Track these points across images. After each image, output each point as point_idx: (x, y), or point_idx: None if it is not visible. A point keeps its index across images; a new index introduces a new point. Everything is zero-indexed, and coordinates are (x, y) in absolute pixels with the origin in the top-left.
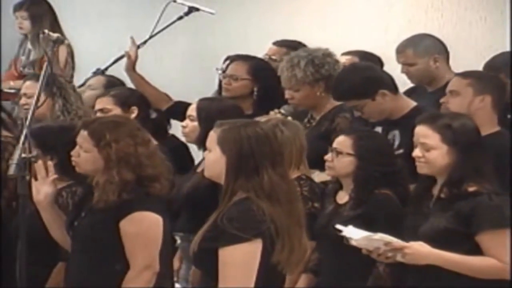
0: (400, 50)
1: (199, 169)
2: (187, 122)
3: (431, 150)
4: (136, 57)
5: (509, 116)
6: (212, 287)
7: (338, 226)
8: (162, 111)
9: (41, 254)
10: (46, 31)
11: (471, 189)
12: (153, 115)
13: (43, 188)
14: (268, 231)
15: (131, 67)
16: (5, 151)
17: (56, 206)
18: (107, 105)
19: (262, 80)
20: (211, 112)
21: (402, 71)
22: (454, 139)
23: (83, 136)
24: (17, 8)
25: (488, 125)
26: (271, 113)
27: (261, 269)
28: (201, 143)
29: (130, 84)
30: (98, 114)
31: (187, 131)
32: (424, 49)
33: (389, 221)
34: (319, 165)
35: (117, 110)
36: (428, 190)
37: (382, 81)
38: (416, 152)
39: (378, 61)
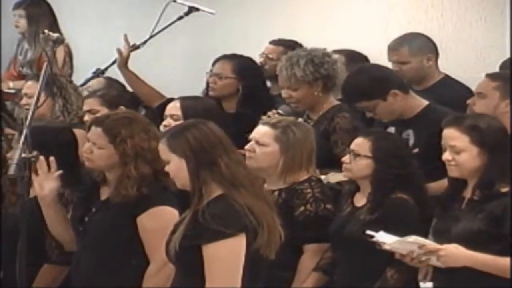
0: (393, 48)
1: None
2: (169, 121)
3: (461, 152)
4: (128, 54)
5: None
6: (192, 286)
7: (369, 232)
8: (152, 109)
9: (28, 254)
10: (46, 31)
11: (503, 189)
12: (142, 112)
13: (47, 184)
14: (251, 225)
15: (123, 64)
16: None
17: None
18: (94, 106)
19: (247, 79)
20: (198, 110)
21: (394, 69)
22: (483, 140)
23: (97, 133)
24: (16, 6)
25: None
26: (269, 113)
27: (245, 260)
28: None
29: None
30: (87, 115)
31: None
32: (418, 48)
33: (406, 225)
34: (319, 164)
35: (104, 111)
36: (458, 193)
37: (393, 81)
38: (446, 156)
39: (365, 60)
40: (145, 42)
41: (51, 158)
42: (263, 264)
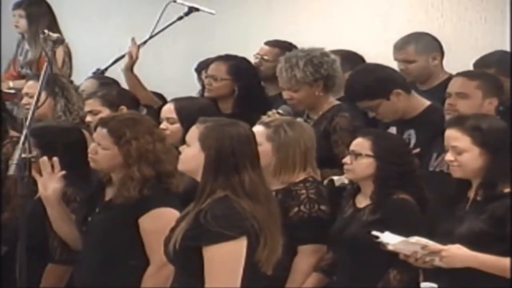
0: (400, 47)
1: None
2: (166, 124)
3: (463, 153)
4: (137, 57)
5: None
6: (190, 286)
7: (375, 233)
8: (154, 109)
9: (31, 255)
10: (46, 31)
11: (506, 190)
12: (143, 111)
13: (50, 184)
14: (252, 229)
15: (130, 67)
16: (16, 150)
17: (63, 202)
18: (95, 107)
19: (242, 79)
20: (192, 111)
21: (400, 68)
22: (484, 140)
23: (101, 134)
24: (16, 6)
25: None
26: (269, 113)
27: (245, 267)
28: None
29: (124, 83)
30: (88, 116)
31: (168, 133)
32: (424, 46)
33: (408, 225)
34: (319, 164)
35: (106, 111)
36: (463, 193)
37: (396, 80)
38: (448, 156)
39: (361, 61)
40: (145, 42)
41: (54, 159)
42: (261, 278)
